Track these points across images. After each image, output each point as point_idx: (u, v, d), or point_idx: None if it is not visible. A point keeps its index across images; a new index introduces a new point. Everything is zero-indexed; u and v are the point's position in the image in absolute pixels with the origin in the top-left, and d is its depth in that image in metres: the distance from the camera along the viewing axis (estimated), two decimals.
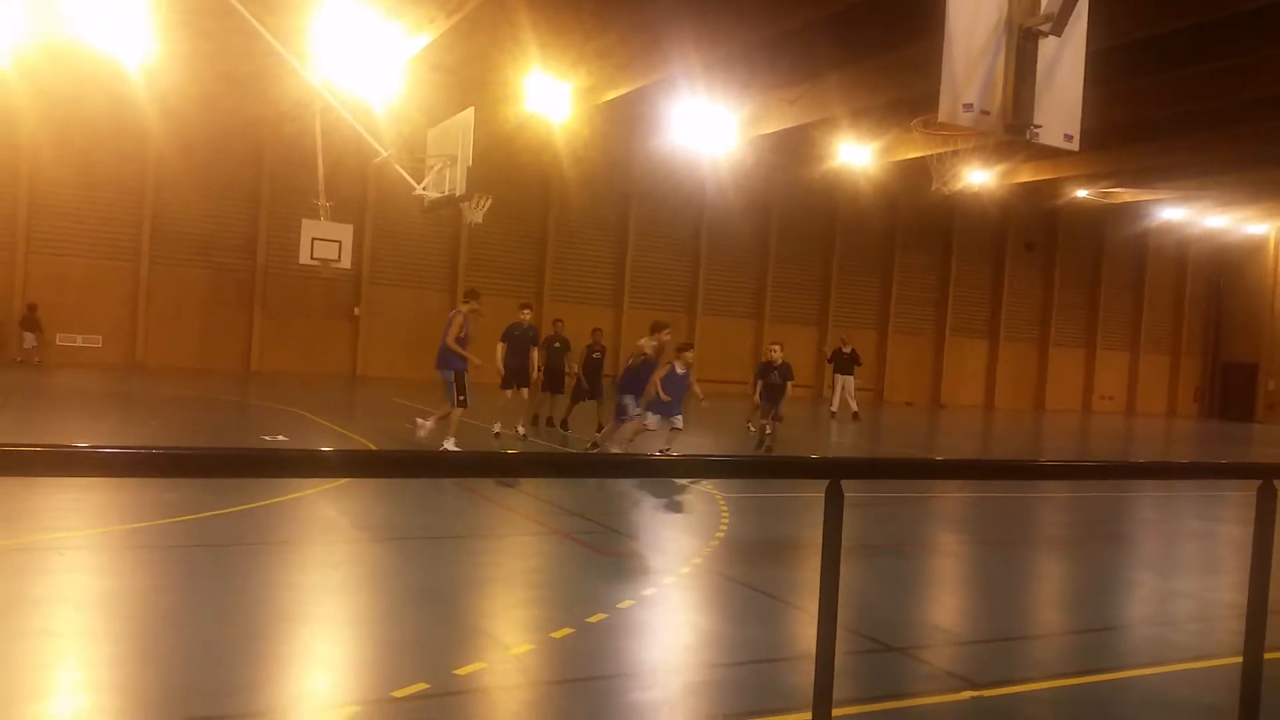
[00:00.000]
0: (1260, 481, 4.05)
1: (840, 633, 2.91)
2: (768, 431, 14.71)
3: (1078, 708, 4.80)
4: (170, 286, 27.02)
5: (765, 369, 15.00)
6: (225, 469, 2.53)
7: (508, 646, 5.03)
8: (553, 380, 16.13)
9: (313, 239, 23.58)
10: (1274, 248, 42.95)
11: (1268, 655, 4.06)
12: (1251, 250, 43.38)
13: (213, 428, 14.81)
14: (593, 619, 5.46)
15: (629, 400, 12.70)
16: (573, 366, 16.03)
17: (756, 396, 15.14)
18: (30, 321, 24.74)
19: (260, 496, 8.31)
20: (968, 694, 4.75)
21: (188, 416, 15.99)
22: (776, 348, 15.22)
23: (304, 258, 23.77)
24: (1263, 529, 4.00)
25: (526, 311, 15.19)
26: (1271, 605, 3.98)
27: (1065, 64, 7.00)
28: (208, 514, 7.64)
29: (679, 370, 12.68)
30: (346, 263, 24.71)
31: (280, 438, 13.08)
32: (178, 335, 27.02)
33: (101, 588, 5.78)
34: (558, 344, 16.39)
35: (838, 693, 2.93)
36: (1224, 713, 4.12)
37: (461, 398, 12.46)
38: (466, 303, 13.34)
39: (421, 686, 4.26)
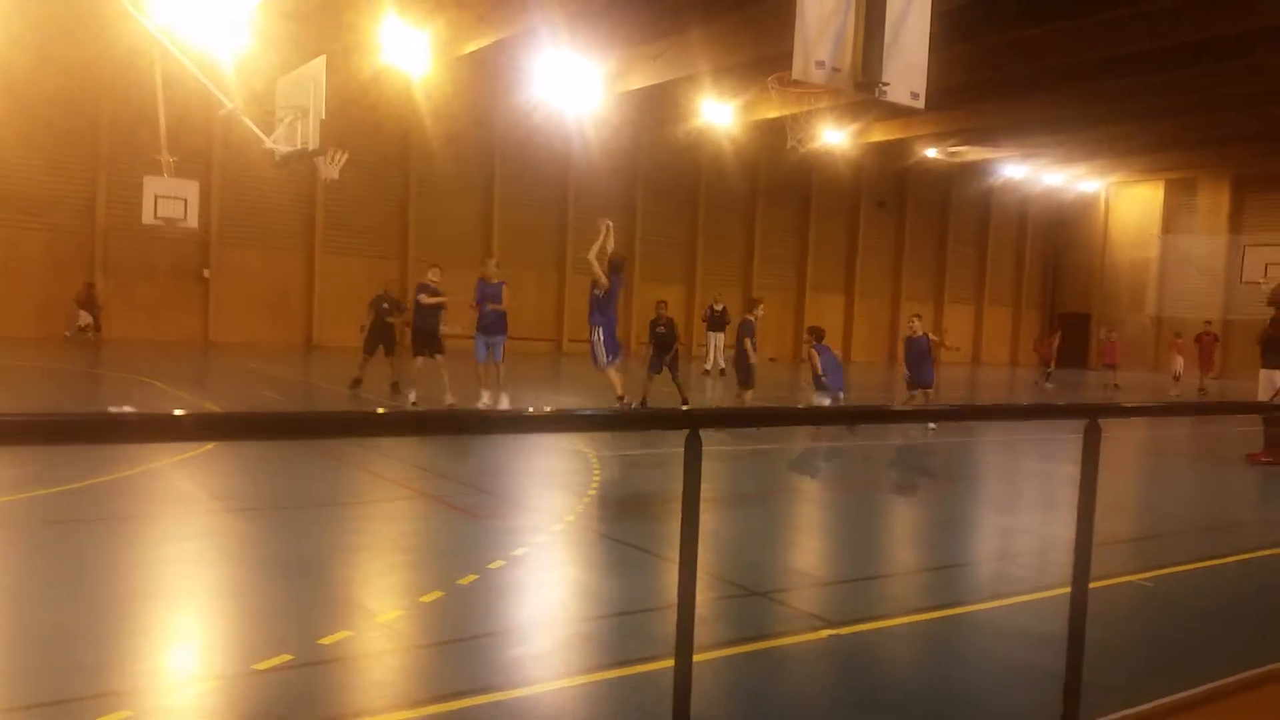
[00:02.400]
0: (1086, 421, 4.36)
1: (707, 580, 3.00)
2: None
3: (927, 641, 5.10)
4: (4, 250, 25.13)
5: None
6: (68, 435, 2.40)
7: (375, 613, 4.97)
8: (386, 340, 15.74)
9: (156, 196, 22.36)
10: (1104, 205, 45.80)
11: (1093, 585, 4.40)
12: (1085, 207, 46.16)
13: (53, 399, 13.94)
14: (463, 580, 5.45)
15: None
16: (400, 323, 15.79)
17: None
18: (87, 300, 24.82)
19: (107, 470, 7.92)
20: (826, 633, 4.97)
21: (26, 388, 15.01)
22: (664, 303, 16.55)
23: (147, 217, 22.52)
24: (1088, 465, 4.31)
25: (435, 271, 14.80)
26: (1097, 538, 4.30)
27: (911, 24, 7.26)
28: (51, 490, 7.23)
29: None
30: (193, 222, 23.53)
31: (126, 409, 12.43)
32: (13, 302, 25.21)
33: None
34: (386, 304, 15.92)
35: (703, 637, 3.03)
36: (1057, 640, 4.45)
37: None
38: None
39: (284, 658, 4.17)
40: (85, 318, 24.75)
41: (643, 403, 14.56)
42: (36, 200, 25.43)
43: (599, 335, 12.26)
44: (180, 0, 18.84)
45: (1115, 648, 4.92)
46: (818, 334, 14.30)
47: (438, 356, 13.88)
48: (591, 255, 12.29)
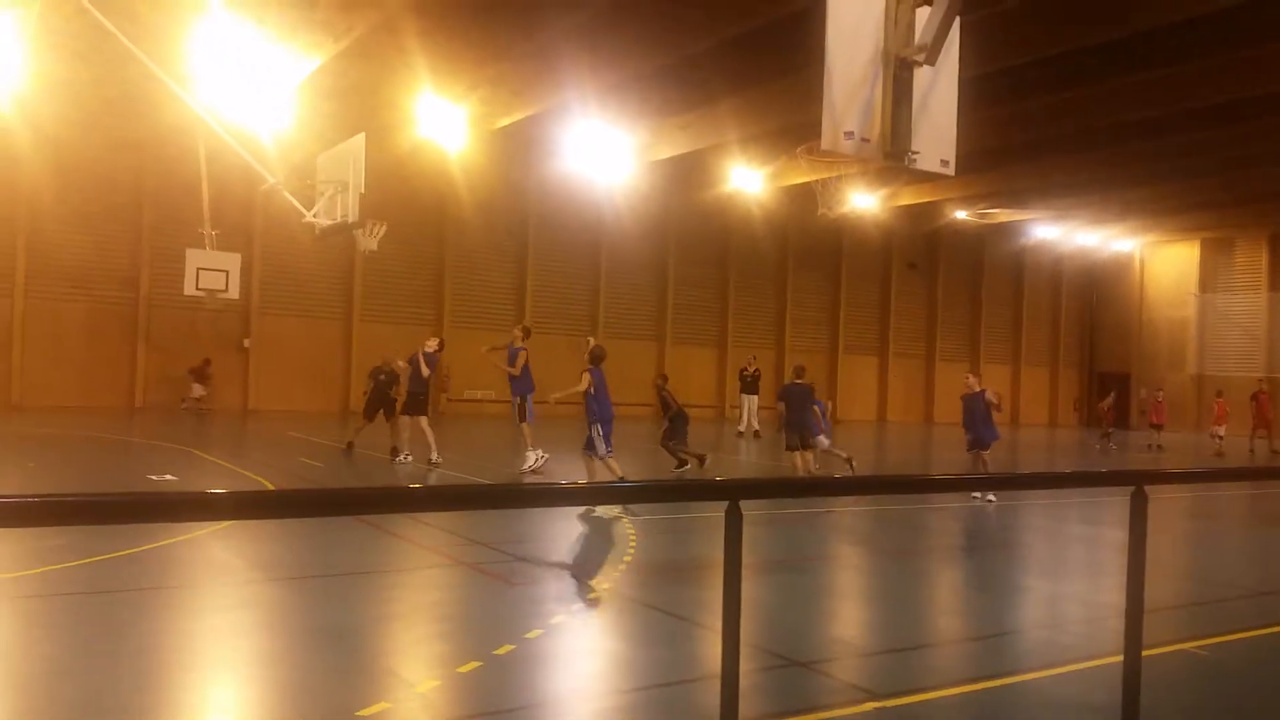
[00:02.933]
0: (1133, 488, 4.30)
1: (746, 649, 2.97)
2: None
3: (976, 713, 4.98)
4: (48, 321, 25.75)
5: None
6: (109, 515, 2.44)
7: (413, 684, 4.95)
8: (387, 407, 16.32)
9: (198, 269, 22.85)
10: (1139, 264, 45.46)
11: (1145, 653, 4.29)
12: (1120, 266, 45.83)
13: (96, 468, 14.14)
14: (500, 651, 5.41)
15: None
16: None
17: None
18: (202, 374, 26.41)
19: (148, 540, 7.99)
20: (870, 705, 4.87)
21: (69, 457, 15.24)
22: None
23: (189, 288, 23.00)
24: (1137, 531, 4.24)
25: (433, 341, 16.04)
26: (1148, 604, 4.21)
27: (940, 92, 7.34)
28: (93, 560, 7.30)
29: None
30: (235, 293, 23.99)
31: (168, 477, 12.58)
32: (57, 373, 25.73)
33: None
34: (383, 376, 16.56)
35: (746, 709, 2.99)
36: (1110, 710, 4.33)
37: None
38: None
39: None
40: (199, 390, 26.22)
41: (699, 460, 15.45)
42: (81, 272, 26.11)
43: (598, 431, 12.30)
44: (224, 79, 19.50)
45: (1169, 718, 4.77)
46: (798, 371, 14.31)
47: (421, 419, 15.15)
48: (581, 389, 12.46)
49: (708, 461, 15.77)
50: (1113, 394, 31.45)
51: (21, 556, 7.31)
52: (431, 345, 15.71)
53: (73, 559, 7.30)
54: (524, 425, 14.43)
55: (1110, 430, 29.05)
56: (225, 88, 19.60)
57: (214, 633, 5.93)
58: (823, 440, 14.69)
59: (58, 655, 5.23)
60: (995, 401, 14.14)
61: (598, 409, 12.31)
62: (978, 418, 13.90)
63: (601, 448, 12.25)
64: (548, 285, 33.45)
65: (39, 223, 25.35)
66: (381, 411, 16.41)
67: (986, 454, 13.98)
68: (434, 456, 14.68)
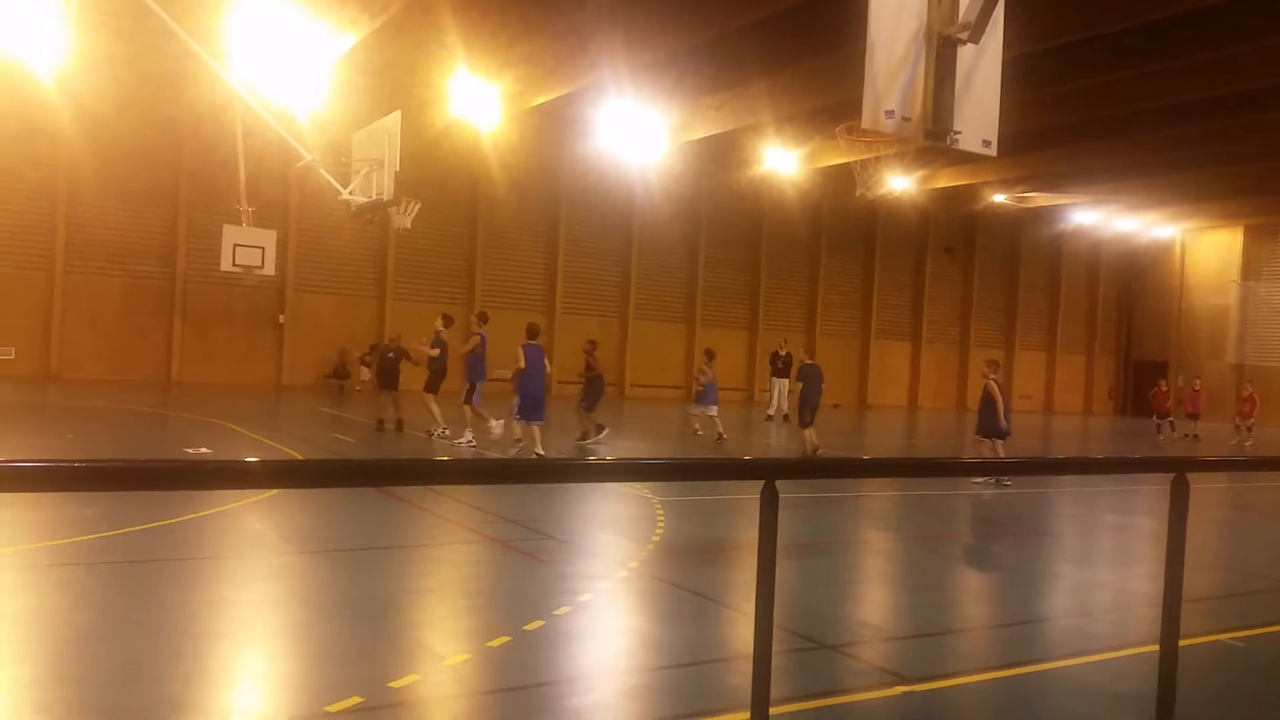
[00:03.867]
0: (1174, 474, 4.22)
1: (775, 632, 2.95)
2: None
3: (1005, 699, 4.94)
4: (86, 296, 26.13)
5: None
6: (147, 481, 2.47)
7: (443, 657, 4.98)
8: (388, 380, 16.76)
9: (234, 245, 23.04)
10: (1180, 250, 44.67)
11: (1182, 642, 4.23)
12: (1160, 253, 45.06)
13: (132, 441, 14.35)
14: (530, 626, 5.44)
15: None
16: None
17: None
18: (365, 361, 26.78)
19: (183, 511, 8.10)
20: (900, 689, 4.84)
21: (105, 429, 15.49)
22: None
23: (225, 264, 23.21)
24: (1177, 519, 4.17)
25: (441, 321, 16.48)
26: (1183, 593, 4.14)
27: (983, 71, 7.20)
28: (128, 530, 7.42)
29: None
30: (270, 269, 24.18)
31: (203, 450, 12.75)
32: (94, 346, 26.14)
33: (18, 607, 5.57)
34: (391, 354, 16.99)
35: (773, 691, 2.97)
36: (1142, 699, 4.27)
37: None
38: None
39: (355, 700, 4.19)
40: (366, 374, 26.18)
41: (597, 430, 16.05)
42: (118, 247, 26.44)
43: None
44: (261, 56, 19.60)
45: (1204, 709, 4.71)
46: (810, 352, 16.46)
47: (430, 395, 15.68)
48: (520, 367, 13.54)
49: (605, 433, 16.01)
50: (1163, 380, 30.21)
51: (58, 525, 7.44)
52: (440, 325, 16.17)
53: (108, 529, 7.42)
54: (465, 407, 14.84)
55: (1169, 419, 27.76)
56: (262, 65, 19.70)
57: (247, 603, 6.01)
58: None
59: (93, 622, 5.32)
60: (993, 391, 13.91)
61: (521, 381, 13.36)
62: (982, 407, 14.12)
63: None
64: (578, 265, 33.46)
65: (78, 198, 25.68)
66: (379, 384, 16.95)
67: (998, 445, 13.80)
68: (439, 430, 15.26)
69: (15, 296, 25.27)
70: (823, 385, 15.87)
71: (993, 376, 14.14)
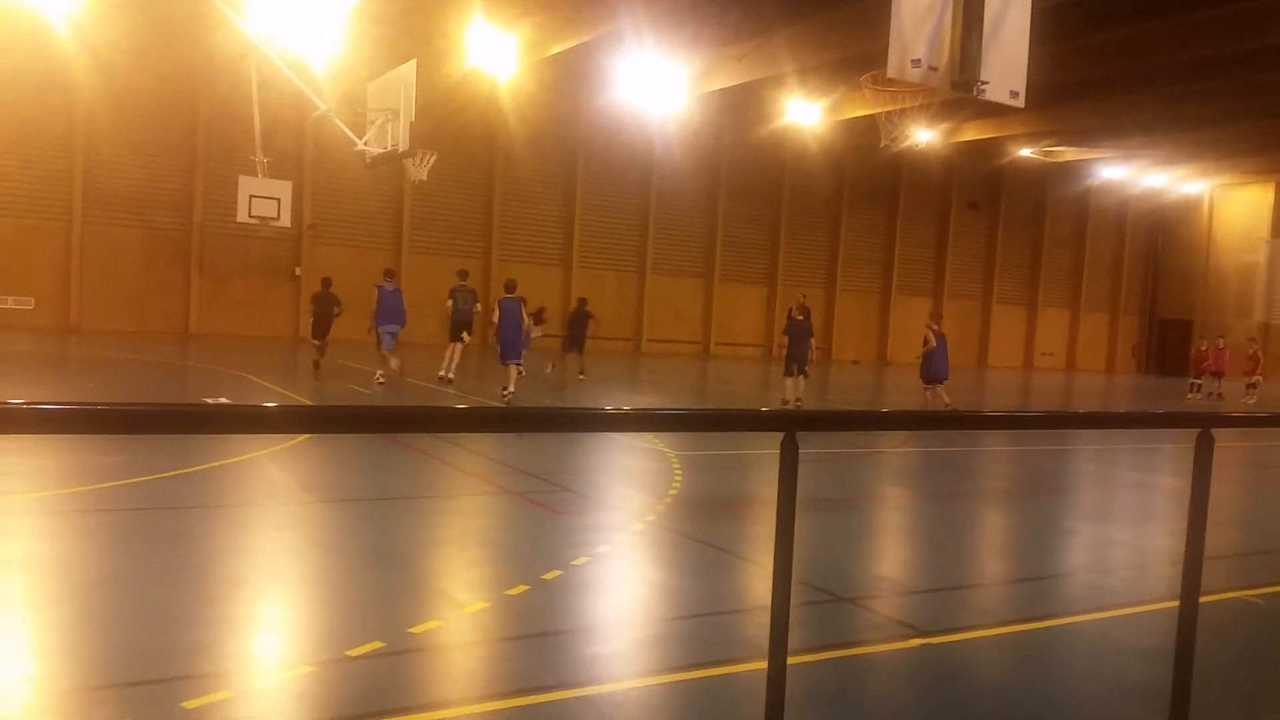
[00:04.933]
0: (1199, 430, 4.16)
1: (792, 584, 2.94)
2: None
3: (1022, 653, 4.94)
4: (104, 247, 26.25)
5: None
6: (169, 425, 2.46)
7: (462, 605, 5.02)
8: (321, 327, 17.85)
9: (250, 196, 23.06)
10: (1209, 207, 43.99)
11: (1202, 599, 4.20)
12: (1188, 209, 44.40)
13: (150, 390, 14.47)
14: (547, 576, 5.47)
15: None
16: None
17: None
18: (539, 317, 27.36)
19: (204, 460, 8.17)
20: (916, 641, 4.85)
21: (124, 379, 15.62)
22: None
23: (242, 215, 23.25)
24: (1201, 476, 4.12)
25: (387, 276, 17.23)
26: (1205, 550, 4.10)
27: (1011, 20, 7.04)
28: (151, 477, 7.49)
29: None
30: (286, 220, 24.21)
31: (221, 400, 12.84)
32: (113, 297, 26.31)
33: (44, 552, 5.65)
34: (329, 297, 18.12)
35: (792, 641, 2.97)
36: (1160, 655, 4.25)
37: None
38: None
39: (376, 645, 4.23)
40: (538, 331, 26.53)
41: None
42: (135, 199, 26.48)
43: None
44: (276, 5, 19.41)
45: (1222, 665, 4.69)
46: (802, 310, 16.84)
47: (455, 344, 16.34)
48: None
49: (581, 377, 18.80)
50: (1204, 340, 29.22)
51: (81, 473, 7.51)
52: (387, 279, 16.85)
53: (130, 476, 7.49)
54: (382, 350, 16.02)
55: (1200, 379, 27.17)
56: (277, 13, 19.52)
57: (269, 550, 6.07)
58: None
59: (118, 567, 5.39)
60: (929, 340, 15.81)
61: (500, 328, 14.46)
62: (924, 356, 15.97)
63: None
64: (596, 219, 33.29)
65: (95, 150, 25.69)
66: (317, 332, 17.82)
67: (939, 390, 15.73)
68: (445, 373, 15.90)
69: (34, 248, 25.42)
70: (810, 340, 16.53)
71: (933, 327, 15.90)
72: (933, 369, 15.74)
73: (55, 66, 23.94)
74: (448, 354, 15.91)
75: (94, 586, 5.03)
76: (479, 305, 16.66)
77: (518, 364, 14.62)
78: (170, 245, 27.04)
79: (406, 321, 16.60)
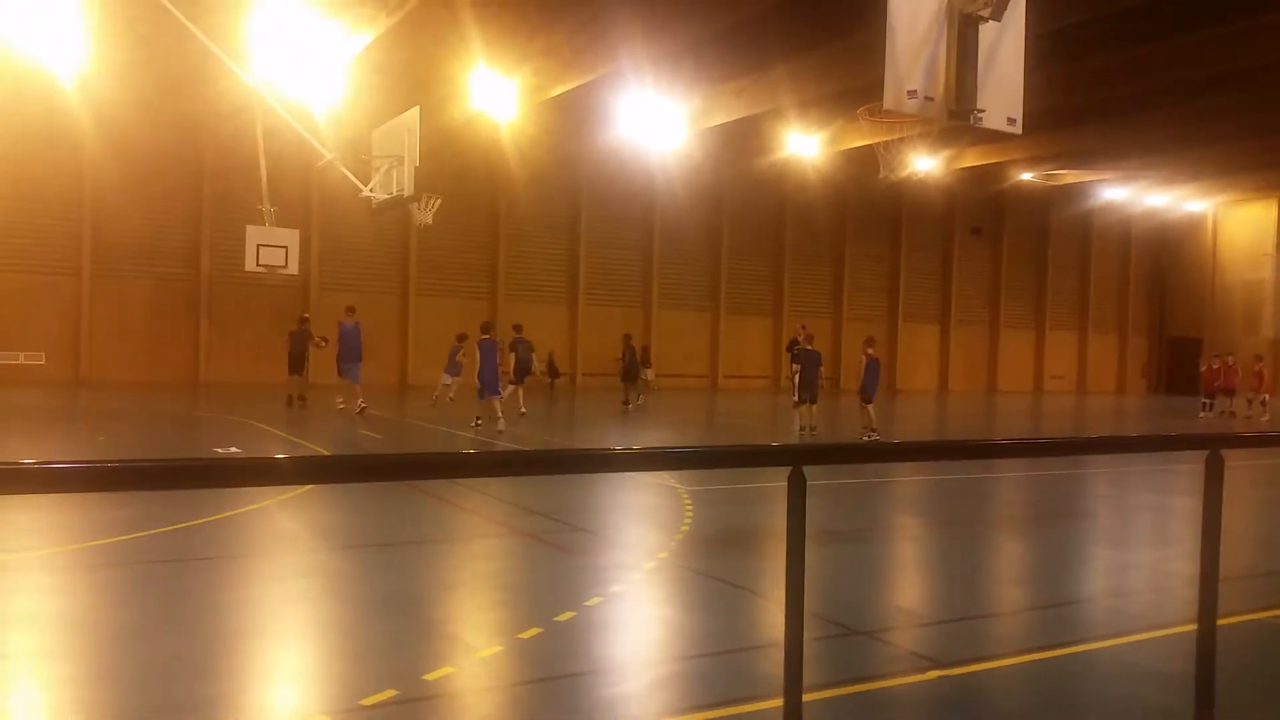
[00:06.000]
0: (1208, 451, 4.15)
1: (806, 618, 2.92)
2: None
3: (1041, 682, 4.88)
4: (113, 299, 26.45)
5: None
6: (181, 480, 2.48)
7: (476, 649, 4.99)
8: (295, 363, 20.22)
9: (258, 245, 23.19)
10: (1213, 224, 44.01)
11: (1220, 621, 4.16)
12: (1192, 228, 44.43)
13: (162, 442, 14.52)
14: (561, 618, 5.44)
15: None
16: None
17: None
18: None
19: (214, 510, 8.17)
20: (934, 673, 4.80)
21: (136, 431, 15.67)
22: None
23: (249, 265, 23.37)
24: (1212, 497, 4.09)
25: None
26: (1221, 572, 4.07)
27: (1006, 49, 7.11)
28: (161, 530, 7.49)
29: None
30: (294, 269, 24.34)
31: (233, 450, 12.87)
32: (123, 349, 26.46)
33: (55, 607, 5.64)
34: (305, 335, 20.56)
35: (806, 678, 2.95)
36: (1181, 679, 4.21)
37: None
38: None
39: (390, 693, 4.21)
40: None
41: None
42: (143, 251, 26.71)
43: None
44: (279, 56, 19.70)
45: (1245, 688, 4.63)
46: (808, 338, 17.91)
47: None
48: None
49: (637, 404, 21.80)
50: (1216, 358, 28.88)
51: (93, 528, 7.52)
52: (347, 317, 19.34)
53: (142, 530, 7.50)
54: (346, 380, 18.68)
55: (1213, 399, 27.00)
56: (280, 64, 19.81)
57: (281, 599, 6.06)
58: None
59: (131, 621, 5.38)
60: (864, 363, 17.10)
61: (480, 368, 15.83)
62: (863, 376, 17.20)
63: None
64: (601, 256, 33.46)
65: (102, 203, 25.98)
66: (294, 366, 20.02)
67: (869, 408, 16.87)
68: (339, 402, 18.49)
69: (44, 303, 25.63)
70: (820, 369, 17.58)
71: (869, 350, 17.14)
72: (863, 389, 17.14)
73: (61, 122, 24.28)
74: (509, 394, 17.57)
75: (107, 641, 5.03)
76: (534, 353, 19.16)
77: (498, 398, 16.04)
78: (179, 296, 27.24)
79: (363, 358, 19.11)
